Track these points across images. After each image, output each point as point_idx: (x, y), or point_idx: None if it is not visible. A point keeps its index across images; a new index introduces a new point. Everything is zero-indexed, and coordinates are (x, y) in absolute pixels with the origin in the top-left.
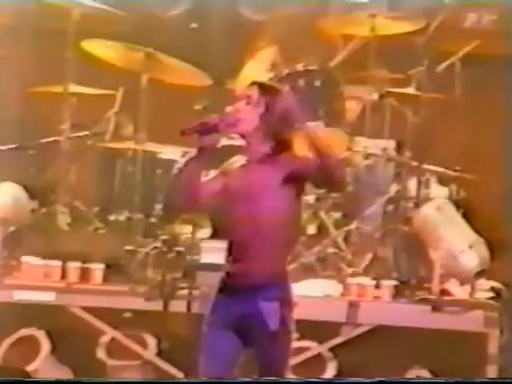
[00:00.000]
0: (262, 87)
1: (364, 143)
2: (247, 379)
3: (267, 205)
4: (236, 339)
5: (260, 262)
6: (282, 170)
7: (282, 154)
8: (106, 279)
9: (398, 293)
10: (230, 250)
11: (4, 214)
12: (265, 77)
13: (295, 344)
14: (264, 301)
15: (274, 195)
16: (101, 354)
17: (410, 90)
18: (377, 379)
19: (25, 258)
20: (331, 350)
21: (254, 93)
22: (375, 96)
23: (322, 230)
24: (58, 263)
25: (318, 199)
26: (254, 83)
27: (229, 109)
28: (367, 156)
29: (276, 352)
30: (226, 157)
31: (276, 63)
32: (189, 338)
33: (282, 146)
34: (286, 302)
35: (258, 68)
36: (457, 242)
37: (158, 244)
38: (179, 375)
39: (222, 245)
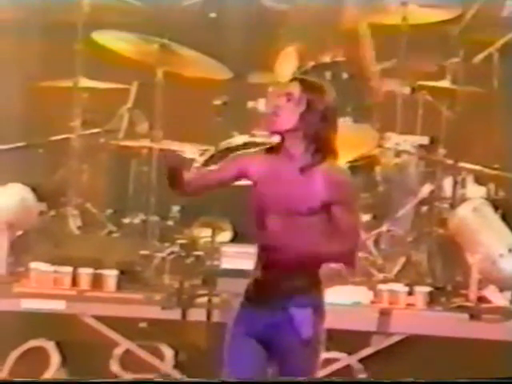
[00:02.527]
0: (304, 84)
1: (395, 140)
2: (247, 379)
3: (299, 212)
4: (262, 350)
5: (292, 267)
6: (318, 189)
7: (323, 162)
8: (119, 286)
9: (432, 300)
10: (258, 256)
11: (11, 218)
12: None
13: (323, 355)
14: (295, 308)
15: (307, 205)
16: (114, 366)
17: (445, 83)
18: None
19: (33, 265)
20: (361, 361)
21: (296, 90)
22: (407, 90)
23: None
24: (68, 269)
25: None
26: (295, 79)
27: (270, 105)
28: (399, 153)
29: (305, 363)
30: None
31: (303, 53)
32: (208, 349)
33: (323, 151)
34: (318, 310)
35: (288, 66)
36: (495, 246)
37: (176, 248)
38: None
39: (244, 249)
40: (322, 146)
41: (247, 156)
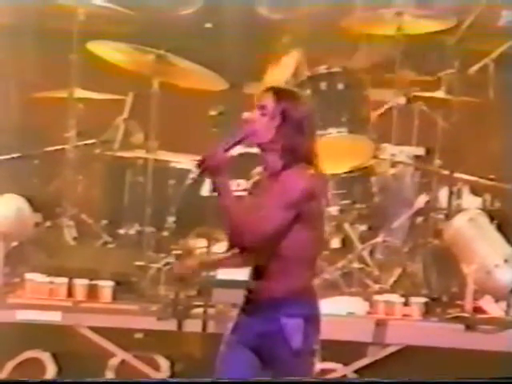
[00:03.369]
0: (278, 94)
1: (391, 150)
2: (248, 379)
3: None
4: (255, 360)
5: (281, 277)
6: (286, 192)
7: (290, 167)
8: (115, 297)
9: (428, 311)
10: (254, 267)
11: (6, 228)
12: (284, 81)
13: (318, 366)
14: (286, 318)
15: (273, 211)
16: (110, 376)
17: (440, 94)
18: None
19: (29, 275)
20: (357, 372)
21: (269, 102)
22: (402, 100)
23: (346, 243)
24: (64, 280)
25: (341, 211)
26: (268, 89)
27: (246, 115)
28: (394, 164)
29: (296, 373)
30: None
31: (300, 67)
32: (204, 360)
33: (295, 158)
34: (311, 320)
35: (281, 74)
36: (491, 256)
37: (171, 259)
38: None
39: None
40: (297, 155)
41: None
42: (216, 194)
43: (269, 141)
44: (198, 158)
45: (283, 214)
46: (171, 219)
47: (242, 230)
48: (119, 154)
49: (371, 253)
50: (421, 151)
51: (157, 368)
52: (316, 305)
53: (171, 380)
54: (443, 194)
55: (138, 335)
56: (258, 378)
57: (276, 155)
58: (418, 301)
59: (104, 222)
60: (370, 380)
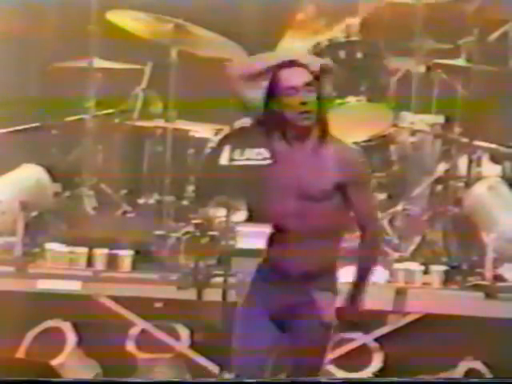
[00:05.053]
0: (308, 66)
1: (410, 119)
2: (249, 379)
3: (312, 196)
4: (277, 330)
5: (315, 250)
6: (331, 169)
7: (327, 138)
8: (135, 267)
9: (448, 279)
10: (279, 238)
11: (26, 198)
12: (304, 48)
13: (338, 335)
14: (318, 290)
15: (320, 188)
16: (130, 346)
17: (460, 62)
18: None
19: (48, 245)
20: (377, 340)
21: (310, 77)
22: (422, 68)
23: None
24: (83, 250)
25: None
26: (298, 65)
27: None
28: (414, 132)
29: (321, 345)
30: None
31: (316, 31)
32: (224, 329)
33: (326, 128)
34: (336, 294)
35: (296, 37)
36: (511, 224)
37: (191, 228)
38: (214, 369)
39: (259, 229)
40: (324, 124)
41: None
42: None
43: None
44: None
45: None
46: (190, 188)
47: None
48: (138, 123)
49: (391, 221)
50: (440, 119)
51: (177, 337)
52: (337, 276)
53: (172, 380)
54: (463, 161)
55: (158, 304)
56: (278, 346)
57: (310, 125)
58: (437, 269)
59: (123, 191)
60: (369, 380)
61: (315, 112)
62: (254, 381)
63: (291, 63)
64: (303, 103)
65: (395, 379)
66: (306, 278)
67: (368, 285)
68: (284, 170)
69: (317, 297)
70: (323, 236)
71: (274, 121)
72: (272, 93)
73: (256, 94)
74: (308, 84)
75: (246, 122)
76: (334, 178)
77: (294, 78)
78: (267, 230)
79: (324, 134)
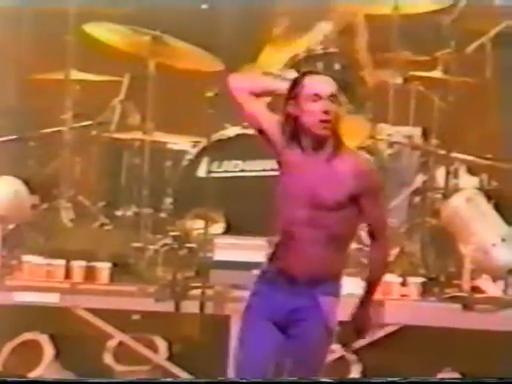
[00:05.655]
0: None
1: (388, 130)
2: (249, 379)
3: (326, 205)
4: (279, 334)
5: (322, 256)
6: (345, 180)
7: (342, 149)
8: (112, 279)
9: (425, 290)
10: (287, 244)
11: (3, 211)
12: (282, 60)
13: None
14: (323, 295)
15: (335, 198)
16: (108, 359)
17: (437, 74)
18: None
19: (26, 257)
20: (355, 352)
21: (334, 88)
22: (399, 80)
23: None
24: (61, 262)
25: None
26: (319, 75)
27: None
28: (391, 144)
29: (322, 350)
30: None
31: (293, 43)
32: (202, 341)
33: (340, 139)
34: (339, 300)
35: (275, 49)
36: (488, 236)
37: (169, 240)
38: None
39: (237, 241)
40: (338, 135)
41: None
42: None
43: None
44: (196, 139)
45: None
46: (168, 200)
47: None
48: (116, 135)
49: None
50: (418, 131)
51: (155, 349)
52: (342, 283)
53: (172, 380)
54: (440, 173)
55: (136, 317)
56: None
57: (327, 135)
58: (415, 281)
59: (101, 203)
60: (370, 380)
61: (332, 122)
62: (255, 381)
63: (316, 72)
64: (326, 112)
65: (394, 379)
66: (312, 283)
67: (376, 292)
68: (297, 178)
69: (321, 301)
70: (331, 244)
71: (290, 127)
72: (292, 98)
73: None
74: (332, 95)
75: (223, 134)
76: (347, 189)
77: (319, 85)
78: (245, 242)
79: (338, 144)
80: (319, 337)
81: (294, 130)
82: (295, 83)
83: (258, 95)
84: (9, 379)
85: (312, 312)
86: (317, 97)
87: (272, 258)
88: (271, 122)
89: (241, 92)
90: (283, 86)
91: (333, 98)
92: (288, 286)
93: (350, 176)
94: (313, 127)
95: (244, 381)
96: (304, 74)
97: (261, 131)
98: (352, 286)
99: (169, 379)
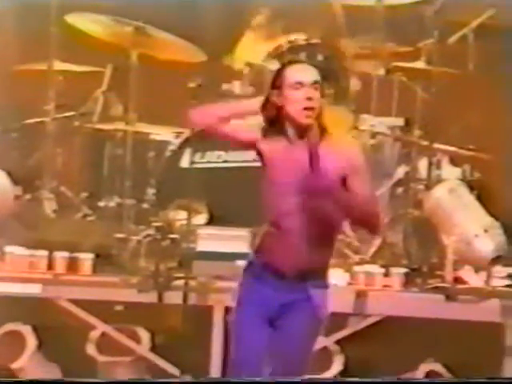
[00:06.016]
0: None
1: (370, 121)
2: (248, 379)
3: (319, 193)
4: (270, 329)
5: (313, 249)
6: (333, 164)
7: (327, 134)
8: (95, 270)
9: (408, 281)
10: (275, 237)
11: None
12: (263, 50)
13: None
14: (314, 288)
15: (325, 183)
16: (91, 349)
17: (420, 64)
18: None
19: (8, 248)
20: (337, 343)
21: (316, 75)
22: (382, 71)
23: None
24: (44, 253)
25: None
26: (301, 63)
27: (309, 103)
28: (374, 135)
29: (310, 342)
30: None
31: (274, 34)
32: (185, 332)
33: (324, 124)
34: (329, 291)
35: (255, 40)
36: (471, 227)
37: (151, 231)
38: (175, 372)
39: (220, 231)
40: (322, 122)
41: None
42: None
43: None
44: (178, 130)
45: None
46: (151, 191)
47: (374, 216)
48: (98, 126)
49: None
50: (400, 122)
51: (137, 340)
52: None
53: (172, 380)
54: (423, 164)
55: (119, 307)
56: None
57: (315, 123)
58: (398, 271)
59: (84, 194)
60: (369, 380)
61: (316, 110)
62: (254, 381)
63: (300, 61)
64: (309, 98)
65: (393, 379)
66: (302, 276)
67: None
68: (284, 167)
69: (313, 294)
70: (320, 235)
71: (274, 116)
72: (276, 87)
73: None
74: (315, 82)
75: None
76: (334, 173)
77: (302, 73)
78: (228, 232)
79: (323, 131)
80: (311, 329)
81: (279, 119)
82: (278, 73)
83: (227, 120)
84: (9, 379)
85: (304, 305)
86: (299, 85)
87: (258, 251)
88: (252, 134)
89: (208, 125)
90: (253, 105)
91: (316, 85)
92: (276, 281)
93: (336, 160)
94: (297, 115)
95: (244, 381)
96: (286, 64)
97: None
98: (334, 277)
99: (169, 379)
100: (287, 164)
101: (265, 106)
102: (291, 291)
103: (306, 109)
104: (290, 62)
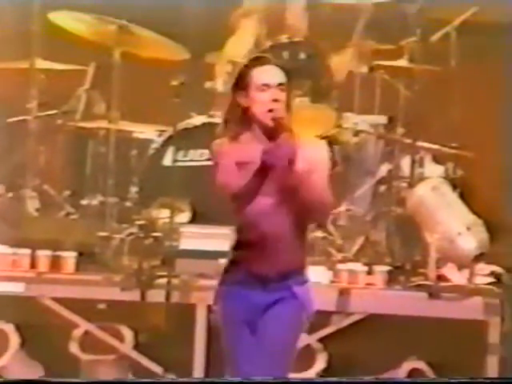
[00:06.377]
0: (275, 64)
1: (353, 119)
2: (247, 379)
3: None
4: (254, 329)
5: (287, 250)
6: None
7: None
8: (78, 268)
9: (391, 279)
10: (254, 241)
11: None
12: (246, 48)
13: None
14: (296, 285)
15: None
16: (74, 348)
17: (402, 62)
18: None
19: None
20: (321, 340)
21: (282, 77)
22: (364, 69)
23: None
24: (27, 251)
25: None
26: (267, 62)
27: (275, 105)
28: (357, 133)
29: (295, 337)
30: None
31: (259, 35)
32: (168, 330)
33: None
34: (310, 285)
35: (241, 41)
36: (454, 224)
37: (134, 230)
38: (158, 370)
39: (203, 230)
40: (285, 123)
41: (222, 143)
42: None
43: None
44: (161, 128)
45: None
46: (134, 189)
47: (322, 204)
48: (81, 124)
49: (334, 222)
50: (383, 120)
51: (121, 339)
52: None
53: (171, 380)
54: (406, 162)
55: (102, 306)
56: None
57: (276, 125)
58: (381, 269)
59: (67, 192)
60: (369, 380)
61: (282, 112)
62: (255, 381)
63: (265, 60)
64: (275, 100)
65: (390, 379)
66: (284, 276)
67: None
68: (254, 167)
69: (296, 291)
70: (294, 233)
71: (240, 117)
72: (242, 88)
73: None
74: (281, 84)
75: (189, 123)
76: (302, 171)
77: (267, 75)
78: (211, 230)
79: (290, 132)
80: (298, 324)
81: (246, 120)
82: (244, 74)
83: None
84: (8, 379)
85: (290, 302)
86: (266, 86)
87: (235, 258)
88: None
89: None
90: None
91: (281, 86)
92: (260, 285)
93: (303, 159)
94: (262, 117)
95: (243, 381)
96: (250, 64)
97: None
98: (317, 275)
99: (169, 379)
100: (256, 164)
101: (231, 107)
102: (275, 292)
103: (271, 110)
104: (256, 62)
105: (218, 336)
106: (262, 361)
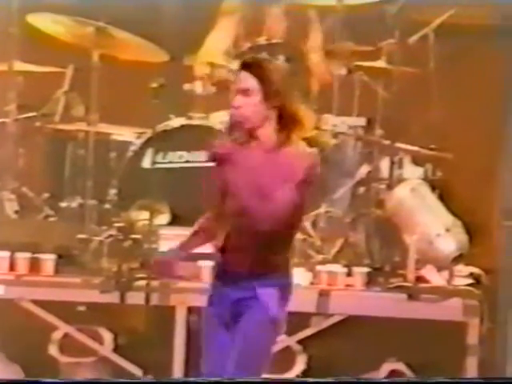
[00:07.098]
0: (251, 67)
1: (332, 121)
2: (247, 379)
3: (273, 197)
4: (229, 337)
5: (259, 250)
6: (287, 173)
7: (289, 140)
8: (57, 270)
9: (370, 280)
10: (227, 239)
11: None
12: (224, 50)
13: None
14: (261, 287)
15: (282, 189)
16: (53, 350)
17: (381, 64)
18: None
19: None
20: (300, 342)
21: (248, 82)
22: (343, 71)
23: None
24: (5, 254)
25: None
26: (240, 67)
27: (233, 111)
28: (335, 135)
29: (267, 340)
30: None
31: (238, 35)
32: (148, 332)
33: (288, 128)
34: (284, 291)
35: (219, 40)
36: (433, 226)
37: (113, 232)
38: (137, 372)
39: (182, 232)
40: (286, 123)
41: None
42: None
43: (261, 118)
44: (140, 130)
45: (296, 194)
46: (113, 192)
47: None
48: (60, 126)
49: (313, 223)
50: (362, 122)
51: (100, 341)
52: (290, 274)
53: (171, 380)
54: (385, 164)
55: (81, 308)
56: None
57: (269, 129)
58: (360, 271)
59: (45, 195)
60: (369, 380)
61: (242, 117)
62: (251, 380)
63: (245, 65)
64: (234, 106)
65: (388, 379)
66: (253, 276)
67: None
68: (236, 170)
69: (259, 293)
70: (273, 235)
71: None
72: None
73: None
74: (245, 89)
75: (168, 125)
76: (284, 178)
77: (238, 80)
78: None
79: (283, 137)
80: (262, 328)
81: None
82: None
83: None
84: (9, 379)
85: (251, 303)
86: (236, 91)
87: (220, 255)
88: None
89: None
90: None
91: (248, 92)
92: (232, 281)
93: (286, 166)
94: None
95: (243, 380)
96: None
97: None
98: (297, 277)
99: (169, 379)
100: (239, 167)
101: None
102: (242, 290)
103: (233, 114)
104: (240, 66)
105: (197, 338)
106: (232, 356)
